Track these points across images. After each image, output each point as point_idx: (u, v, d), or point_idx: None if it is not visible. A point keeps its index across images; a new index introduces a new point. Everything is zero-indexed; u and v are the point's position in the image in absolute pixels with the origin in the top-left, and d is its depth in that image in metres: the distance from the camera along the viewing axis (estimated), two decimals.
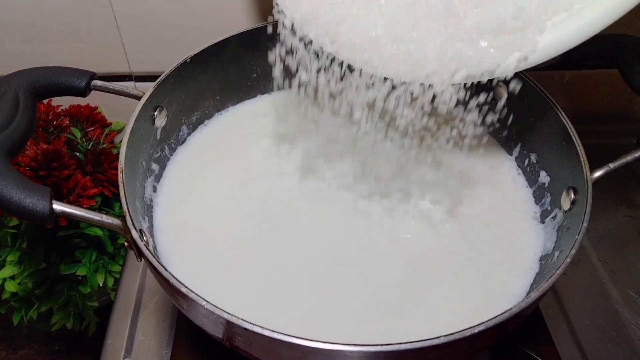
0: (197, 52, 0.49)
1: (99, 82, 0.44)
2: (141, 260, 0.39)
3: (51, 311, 0.61)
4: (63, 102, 0.65)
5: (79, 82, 0.43)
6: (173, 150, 0.51)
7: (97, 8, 0.60)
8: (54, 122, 0.61)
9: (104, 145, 0.62)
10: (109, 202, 0.62)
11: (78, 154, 0.60)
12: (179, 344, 0.49)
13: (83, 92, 0.43)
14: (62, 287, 0.60)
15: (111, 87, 0.44)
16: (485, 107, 0.53)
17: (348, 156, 0.51)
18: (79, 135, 0.61)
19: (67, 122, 0.62)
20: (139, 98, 0.45)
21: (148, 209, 0.46)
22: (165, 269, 0.33)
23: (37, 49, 0.63)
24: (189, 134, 0.53)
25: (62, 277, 0.60)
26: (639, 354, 0.50)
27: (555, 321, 0.52)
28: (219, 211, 0.46)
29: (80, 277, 0.61)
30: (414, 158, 0.48)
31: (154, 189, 0.48)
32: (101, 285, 0.59)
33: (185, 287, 0.33)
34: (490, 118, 0.53)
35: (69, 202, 0.38)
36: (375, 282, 0.42)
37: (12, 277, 0.59)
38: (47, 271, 0.59)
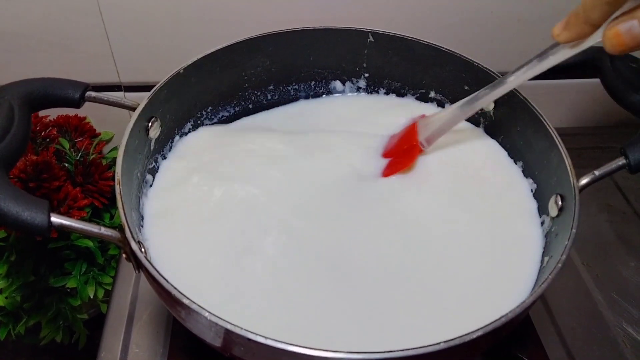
0: (190, 63, 0.49)
1: (92, 94, 0.44)
2: (139, 272, 0.39)
3: (39, 325, 0.60)
4: (50, 112, 0.64)
5: (73, 93, 0.43)
6: (165, 158, 0.51)
7: (86, 18, 0.60)
8: (42, 133, 0.60)
9: (94, 156, 0.61)
10: (98, 213, 0.62)
11: (67, 164, 0.59)
12: (174, 356, 0.49)
13: (77, 104, 0.43)
14: (51, 300, 0.59)
15: (105, 99, 0.44)
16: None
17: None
18: (67, 145, 0.61)
19: (55, 132, 0.61)
20: (133, 109, 0.45)
21: (142, 220, 0.46)
22: (167, 281, 0.34)
23: (24, 59, 0.63)
24: (178, 140, 0.53)
25: (51, 289, 0.59)
26: (623, 355, 0.52)
27: (543, 324, 0.54)
28: (210, 219, 0.46)
29: (69, 290, 0.60)
30: None
31: (146, 197, 0.48)
32: (92, 297, 0.58)
33: (188, 298, 0.33)
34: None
35: (60, 214, 0.38)
36: (368, 287, 0.42)
37: (0, 291, 0.57)
38: (36, 284, 0.58)
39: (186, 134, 0.54)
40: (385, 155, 0.52)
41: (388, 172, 0.50)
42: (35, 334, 0.61)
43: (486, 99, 0.45)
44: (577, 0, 0.33)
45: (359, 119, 0.57)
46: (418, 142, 0.50)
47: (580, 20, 0.34)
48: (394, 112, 0.57)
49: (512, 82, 0.43)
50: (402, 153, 0.51)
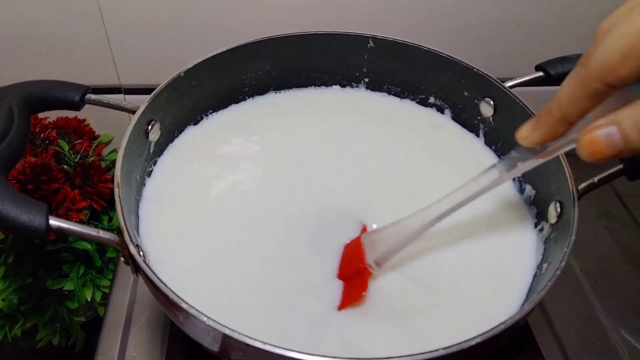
0: (191, 66, 0.49)
1: (92, 96, 0.44)
2: (137, 275, 0.38)
3: (36, 327, 0.60)
4: (50, 114, 0.64)
5: (73, 95, 0.43)
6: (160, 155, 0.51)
7: (87, 21, 0.60)
8: (42, 135, 0.60)
9: (93, 158, 0.61)
10: (96, 215, 0.62)
11: (66, 166, 0.59)
12: (171, 359, 0.48)
13: (77, 106, 0.43)
14: (49, 303, 0.59)
15: (105, 101, 0.44)
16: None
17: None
18: (66, 147, 0.61)
19: (55, 134, 0.61)
20: (132, 112, 0.45)
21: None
22: (165, 285, 0.33)
23: (25, 61, 0.63)
24: (174, 138, 0.53)
25: (49, 292, 0.59)
26: None
27: (541, 330, 0.53)
28: (207, 220, 0.46)
29: (67, 292, 0.60)
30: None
31: (142, 197, 0.47)
32: (89, 300, 0.58)
33: (186, 302, 0.33)
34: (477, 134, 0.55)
35: (58, 216, 0.38)
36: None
37: None
38: (34, 286, 0.58)
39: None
40: (340, 276, 0.42)
41: (342, 304, 0.41)
42: (32, 337, 0.61)
43: (444, 214, 0.38)
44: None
45: None
46: (366, 265, 0.41)
47: (554, 117, 0.30)
48: None
49: (489, 186, 0.37)
50: (351, 278, 0.42)
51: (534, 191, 0.49)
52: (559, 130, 0.30)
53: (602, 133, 0.27)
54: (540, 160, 0.35)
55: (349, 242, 0.44)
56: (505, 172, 0.36)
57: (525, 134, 0.32)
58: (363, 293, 0.40)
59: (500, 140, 0.53)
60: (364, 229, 0.45)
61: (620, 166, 0.42)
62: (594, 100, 0.28)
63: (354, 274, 0.41)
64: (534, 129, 0.32)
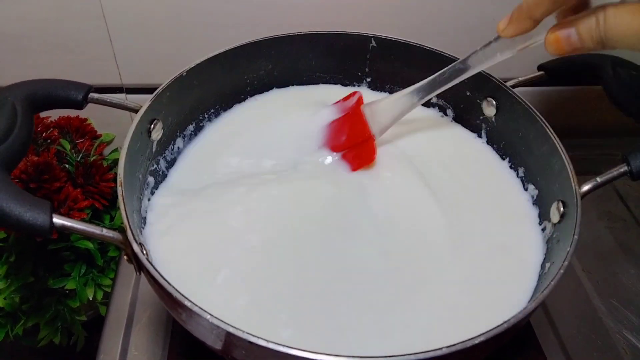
0: (193, 66, 0.50)
1: (95, 95, 0.44)
2: (140, 273, 0.38)
3: (38, 326, 0.60)
4: (51, 114, 0.64)
5: (76, 94, 0.43)
6: (168, 162, 0.51)
7: (89, 20, 0.60)
8: (43, 134, 0.60)
9: (94, 157, 0.61)
10: (98, 214, 0.62)
11: (68, 166, 0.59)
12: (173, 358, 0.48)
13: (80, 105, 0.43)
14: (50, 302, 0.59)
15: (108, 100, 0.45)
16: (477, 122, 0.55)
17: None
18: (68, 147, 0.61)
19: (57, 134, 0.61)
20: (135, 111, 0.45)
21: (143, 221, 0.46)
22: (169, 283, 0.33)
23: (28, 60, 0.63)
24: (184, 145, 0.53)
25: (50, 291, 0.59)
26: None
27: (543, 330, 0.53)
28: (210, 217, 0.46)
29: (68, 291, 0.60)
30: None
31: (148, 199, 0.47)
32: (91, 299, 0.58)
33: (190, 300, 0.33)
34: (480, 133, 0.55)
35: (60, 215, 0.38)
36: (369, 292, 0.42)
37: None
38: (35, 285, 0.58)
39: (188, 136, 0.54)
40: (336, 148, 0.50)
41: (355, 166, 0.49)
42: (33, 336, 0.61)
43: (445, 86, 0.46)
44: None
45: None
46: (371, 134, 0.49)
47: (523, 15, 0.36)
48: None
49: (475, 68, 0.44)
50: (358, 146, 0.49)
51: (536, 191, 0.49)
52: (528, 25, 0.36)
53: (564, 33, 0.34)
54: (515, 52, 0.40)
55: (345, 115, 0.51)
56: (484, 59, 0.42)
57: (502, 26, 0.38)
58: (374, 156, 0.48)
59: (502, 140, 0.53)
60: (360, 99, 0.51)
61: (623, 166, 0.42)
62: (553, 4, 0.34)
63: (362, 142, 0.48)
64: (509, 23, 0.37)
